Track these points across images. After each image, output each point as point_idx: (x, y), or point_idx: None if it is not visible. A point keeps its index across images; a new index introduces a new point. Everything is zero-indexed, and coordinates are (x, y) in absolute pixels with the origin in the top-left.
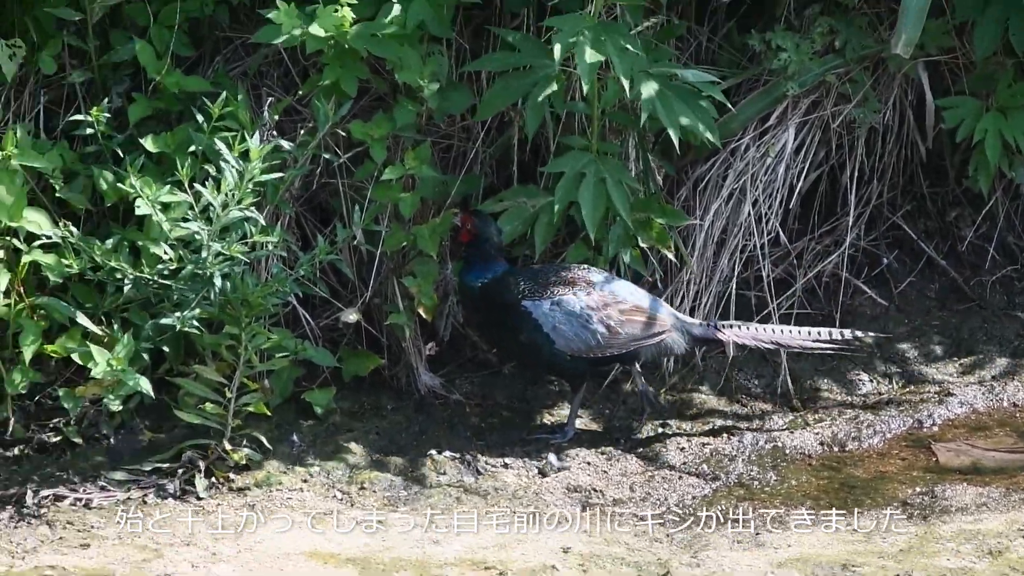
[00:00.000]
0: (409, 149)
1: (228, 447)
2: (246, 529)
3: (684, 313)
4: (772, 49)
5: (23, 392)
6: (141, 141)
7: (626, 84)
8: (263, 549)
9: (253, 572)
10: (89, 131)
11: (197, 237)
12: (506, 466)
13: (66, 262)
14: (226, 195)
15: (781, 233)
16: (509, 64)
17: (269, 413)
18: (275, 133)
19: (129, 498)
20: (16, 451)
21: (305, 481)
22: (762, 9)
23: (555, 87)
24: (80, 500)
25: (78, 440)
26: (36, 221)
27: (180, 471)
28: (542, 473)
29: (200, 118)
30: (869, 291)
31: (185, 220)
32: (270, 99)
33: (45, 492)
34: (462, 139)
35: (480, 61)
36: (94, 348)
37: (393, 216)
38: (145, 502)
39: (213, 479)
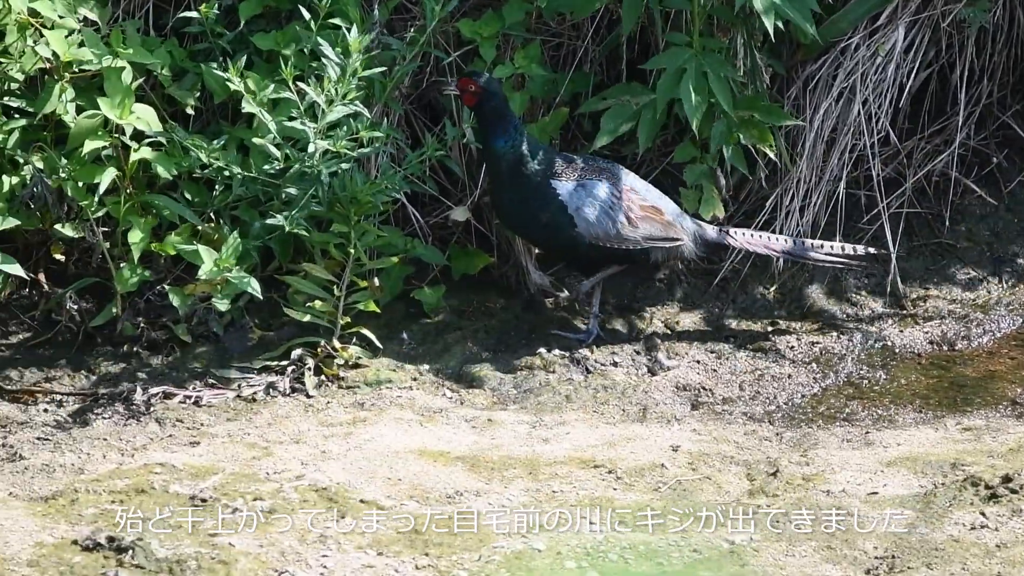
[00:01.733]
0: (519, 47)
1: (338, 345)
2: (356, 427)
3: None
4: None
5: (132, 289)
6: (251, 39)
7: None
8: (373, 447)
9: (363, 470)
10: (199, 28)
11: (304, 135)
12: (615, 364)
13: (176, 159)
14: (329, 91)
15: (891, 132)
16: None
17: (379, 311)
18: (385, 31)
19: (239, 396)
20: (125, 348)
21: (414, 379)
22: None
23: None
24: (189, 398)
25: (187, 338)
26: (145, 118)
27: (290, 369)
28: (651, 371)
29: (308, 15)
30: (979, 190)
31: (291, 119)
32: None
33: (154, 389)
34: (572, 37)
35: None
36: (202, 248)
37: None
38: (254, 400)
39: (323, 377)
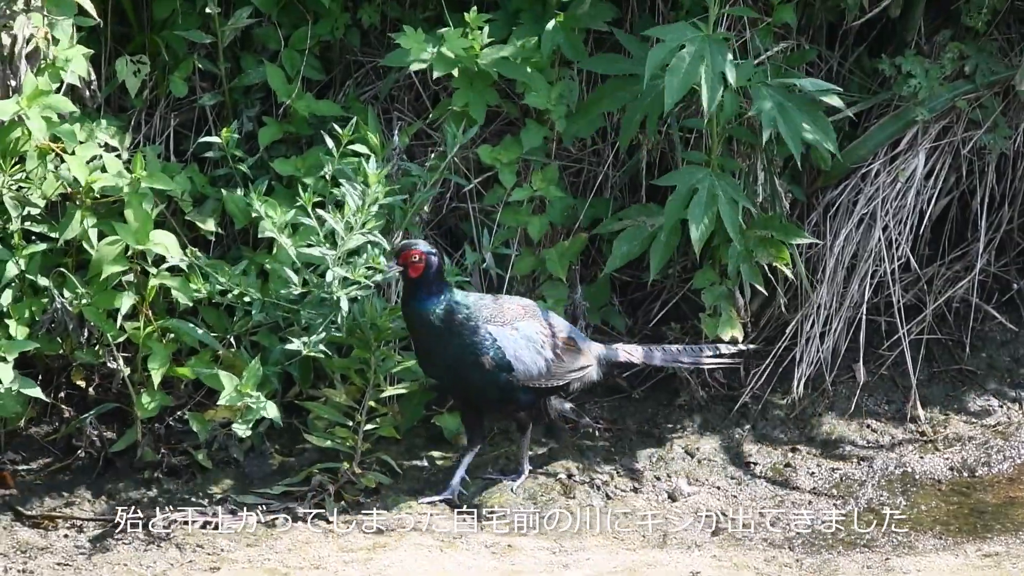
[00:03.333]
0: (537, 171)
1: (358, 471)
2: (375, 553)
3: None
4: (902, 74)
5: (152, 415)
6: (271, 164)
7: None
8: (392, 573)
9: None
10: (219, 154)
11: (323, 261)
12: (636, 490)
13: (194, 286)
14: (349, 219)
15: (911, 258)
16: (617, 69)
17: (399, 437)
18: (405, 157)
19: (259, 522)
20: (146, 474)
21: (435, 505)
22: (892, 34)
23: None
24: (210, 523)
25: (207, 463)
26: (164, 244)
27: (310, 495)
28: (672, 498)
29: (330, 142)
30: (999, 316)
31: (310, 245)
32: (400, 123)
33: (175, 515)
34: (592, 163)
35: (591, 60)
36: (222, 373)
37: (522, 240)
38: (274, 525)
39: (343, 502)
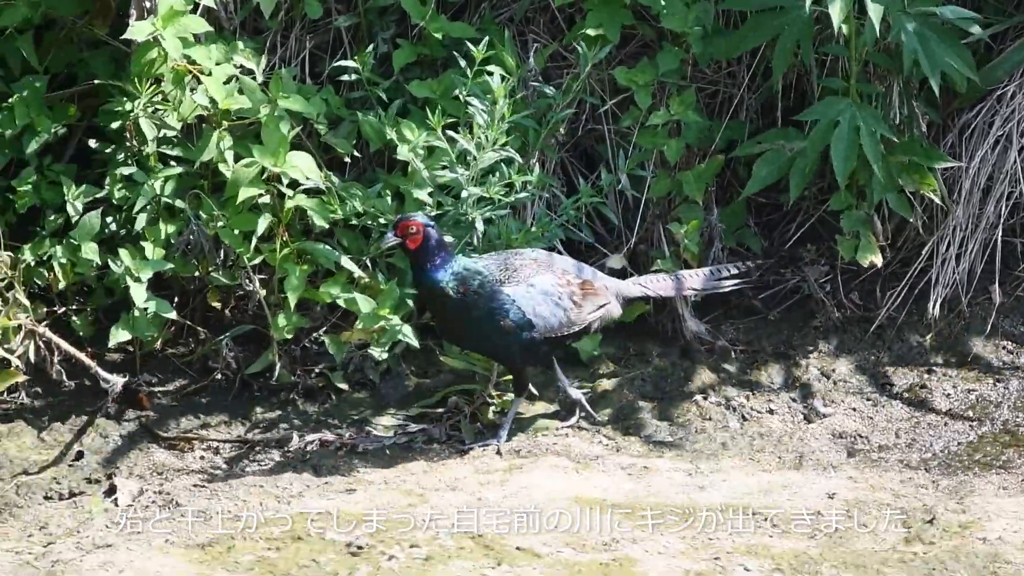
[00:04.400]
0: (674, 95)
1: (493, 392)
2: (512, 474)
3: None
4: None
5: (289, 337)
6: (406, 86)
7: (875, 20)
8: (529, 494)
9: (519, 517)
10: (354, 76)
11: (456, 182)
12: (771, 412)
13: (330, 208)
14: (479, 137)
15: None
16: (765, 3)
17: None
18: (540, 79)
19: (395, 443)
20: (282, 396)
21: (571, 427)
22: None
23: (804, 30)
24: (346, 445)
25: (343, 385)
26: (300, 166)
27: (446, 416)
28: (807, 419)
29: (464, 64)
30: None
31: (444, 167)
32: (535, 45)
33: (311, 437)
34: (728, 85)
35: None
36: (359, 296)
37: (658, 162)
38: (411, 447)
39: (478, 424)
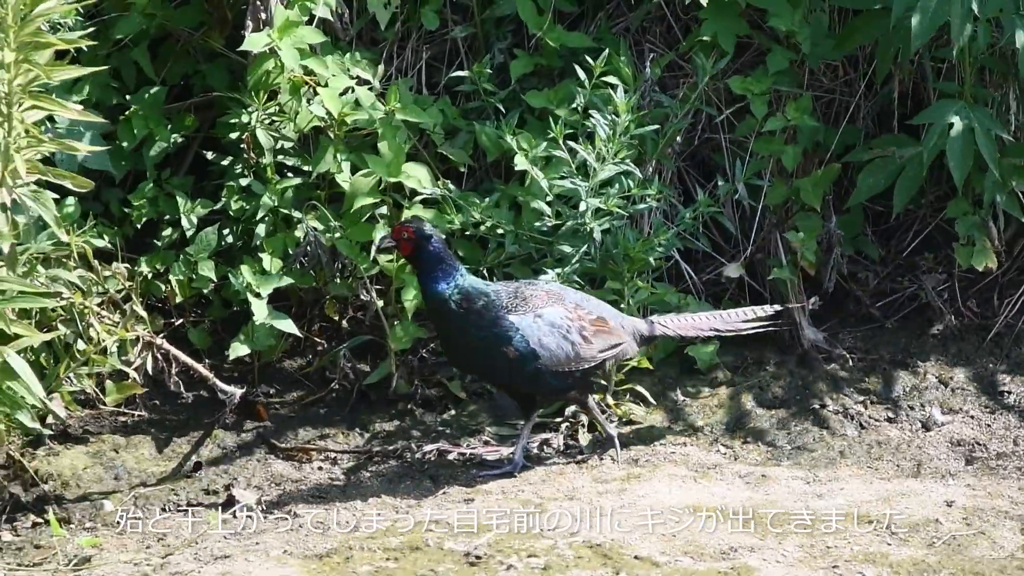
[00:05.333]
0: (790, 101)
1: (611, 401)
2: (629, 483)
3: None
4: None
5: (406, 347)
6: (523, 97)
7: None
8: (647, 503)
9: (637, 526)
10: (471, 87)
11: (576, 193)
12: (889, 420)
13: (447, 218)
14: (600, 149)
15: None
16: (868, 3)
17: (652, 367)
18: (657, 88)
19: (513, 452)
20: (399, 406)
21: (688, 435)
22: None
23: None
24: (464, 455)
25: (461, 395)
26: (417, 176)
27: (564, 426)
28: (925, 427)
29: (582, 74)
30: None
31: (563, 177)
32: (652, 55)
33: (429, 447)
34: (844, 92)
35: None
36: None
37: (775, 170)
38: (528, 456)
39: (596, 433)
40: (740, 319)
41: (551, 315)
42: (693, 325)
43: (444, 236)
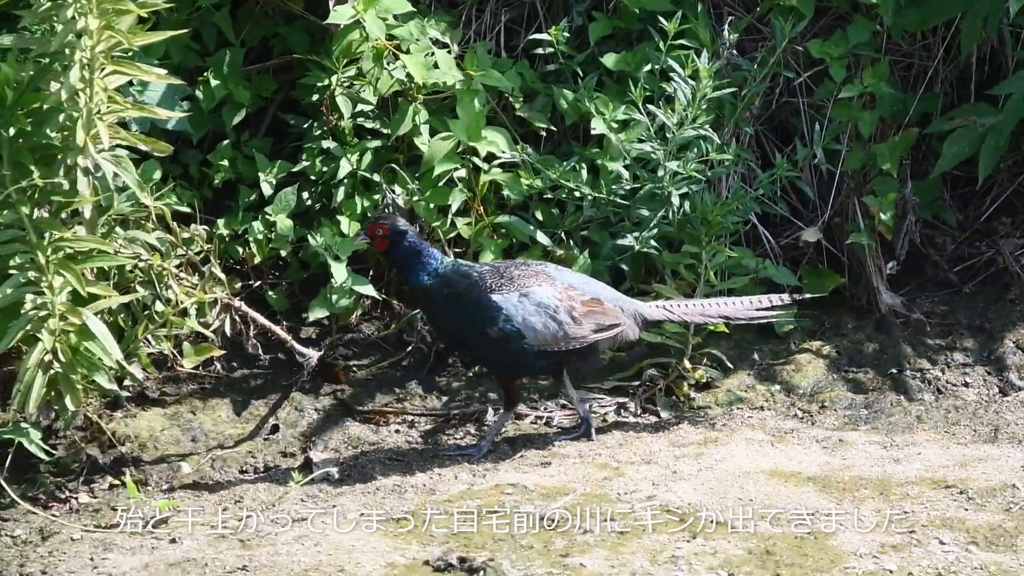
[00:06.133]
0: (868, 67)
1: (688, 365)
2: (706, 447)
3: None
4: None
5: None
6: (601, 60)
7: None
8: (723, 468)
9: (714, 491)
10: (549, 50)
11: (653, 156)
12: (966, 384)
13: (526, 181)
14: (680, 114)
15: None
16: None
17: (729, 332)
18: (734, 52)
19: (590, 416)
20: (476, 369)
21: (765, 400)
22: None
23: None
24: (541, 418)
25: None
26: (495, 140)
27: (641, 389)
28: (1003, 392)
29: (658, 37)
30: None
31: (641, 140)
32: (730, 18)
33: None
34: (922, 57)
35: None
36: None
37: (853, 135)
38: (605, 420)
39: (674, 397)
40: (753, 307)
41: (538, 294)
42: (701, 312)
43: (417, 228)
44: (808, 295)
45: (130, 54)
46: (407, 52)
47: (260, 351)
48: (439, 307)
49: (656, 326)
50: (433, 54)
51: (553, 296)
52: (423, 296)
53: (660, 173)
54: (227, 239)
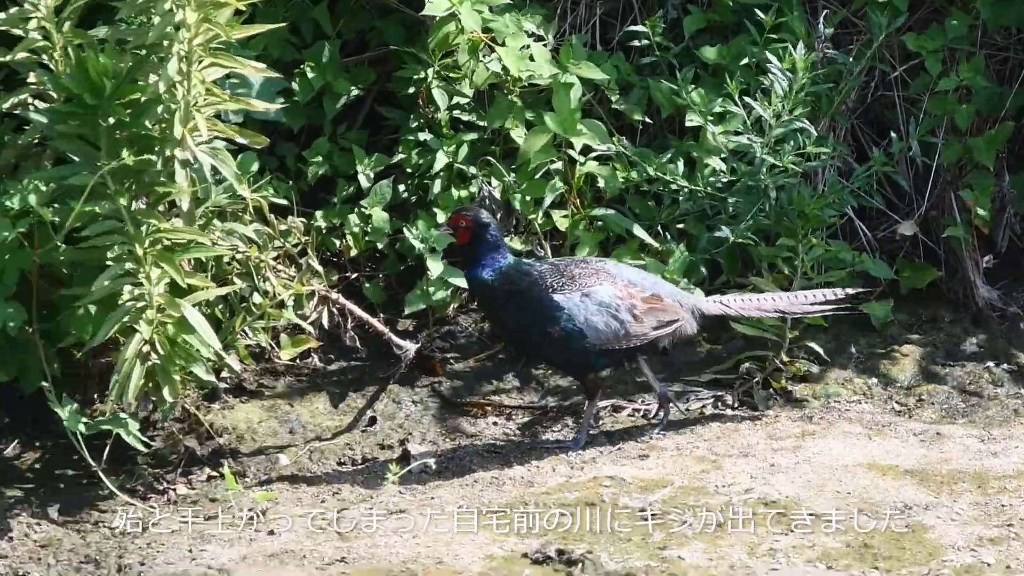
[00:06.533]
0: (963, 60)
1: (785, 359)
2: (804, 440)
3: None
4: None
5: None
6: (696, 52)
7: None
8: (821, 461)
9: (812, 484)
10: (644, 42)
11: (750, 149)
12: None
13: (621, 174)
14: (776, 106)
15: None
16: None
17: (826, 325)
18: (830, 45)
19: (687, 409)
20: None
21: (863, 393)
22: None
23: None
24: (638, 411)
25: None
26: (591, 132)
27: (738, 382)
28: None
29: (754, 30)
30: None
31: (737, 133)
32: (825, 11)
33: (603, 403)
34: (1018, 51)
35: None
36: (649, 261)
37: (949, 128)
38: (703, 413)
39: (771, 390)
40: (808, 302)
41: (599, 293)
42: (757, 307)
43: (499, 224)
44: (858, 291)
45: (228, 47)
46: (502, 45)
47: (357, 343)
48: (500, 304)
49: (712, 321)
50: (529, 47)
51: (614, 295)
52: (482, 292)
53: (756, 165)
54: (324, 231)
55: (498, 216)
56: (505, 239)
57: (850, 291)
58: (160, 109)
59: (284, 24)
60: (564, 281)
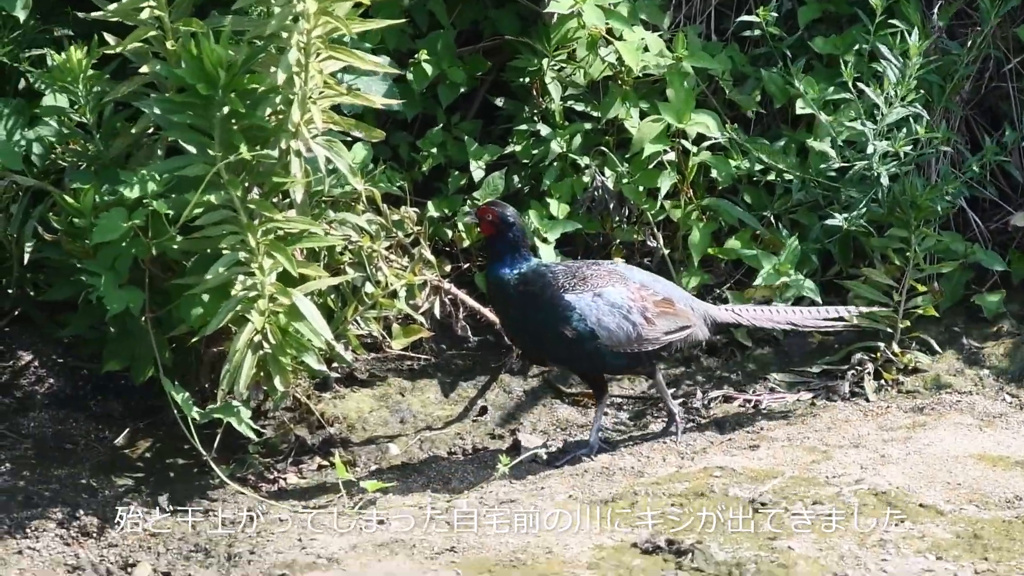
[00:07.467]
0: None
1: (897, 349)
2: (914, 431)
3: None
4: None
5: (693, 293)
6: (810, 43)
7: None
8: (932, 452)
9: (922, 475)
10: (758, 33)
11: (862, 137)
12: None
13: (735, 164)
14: (888, 92)
15: None
16: None
17: (938, 316)
18: (944, 35)
19: (798, 400)
20: (684, 352)
21: (974, 384)
22: None
23: None
24: (749, 401)
25: (747, 341)
26: (704, 122)
27: (849, 373)
28: None
29: (867, 19)
30: None
31: (851, 120)
32: (940, 1)
33: (714, 393)
34: None
35: None
36: (761, 252)
37: None
38: (814, 404)
39: (881, 381)
40: (820, 317)
41: (611, 295)
42: (769, 318)
43: (522, 220)
44: (870, 309)
45: (345, 39)
46: (620, 39)
47: (469, 333)
48: (513, 303)
49: (724, 329)
50: (643, 38)
51: (627, 296)
52: (498, 290)
53: (869, 151)
54: (437, 221)
55: (611, 206)
56: (528, 243)
57: (863, 309)
58: (277, 100)
59: (403, 21)
60: (576, 282)
